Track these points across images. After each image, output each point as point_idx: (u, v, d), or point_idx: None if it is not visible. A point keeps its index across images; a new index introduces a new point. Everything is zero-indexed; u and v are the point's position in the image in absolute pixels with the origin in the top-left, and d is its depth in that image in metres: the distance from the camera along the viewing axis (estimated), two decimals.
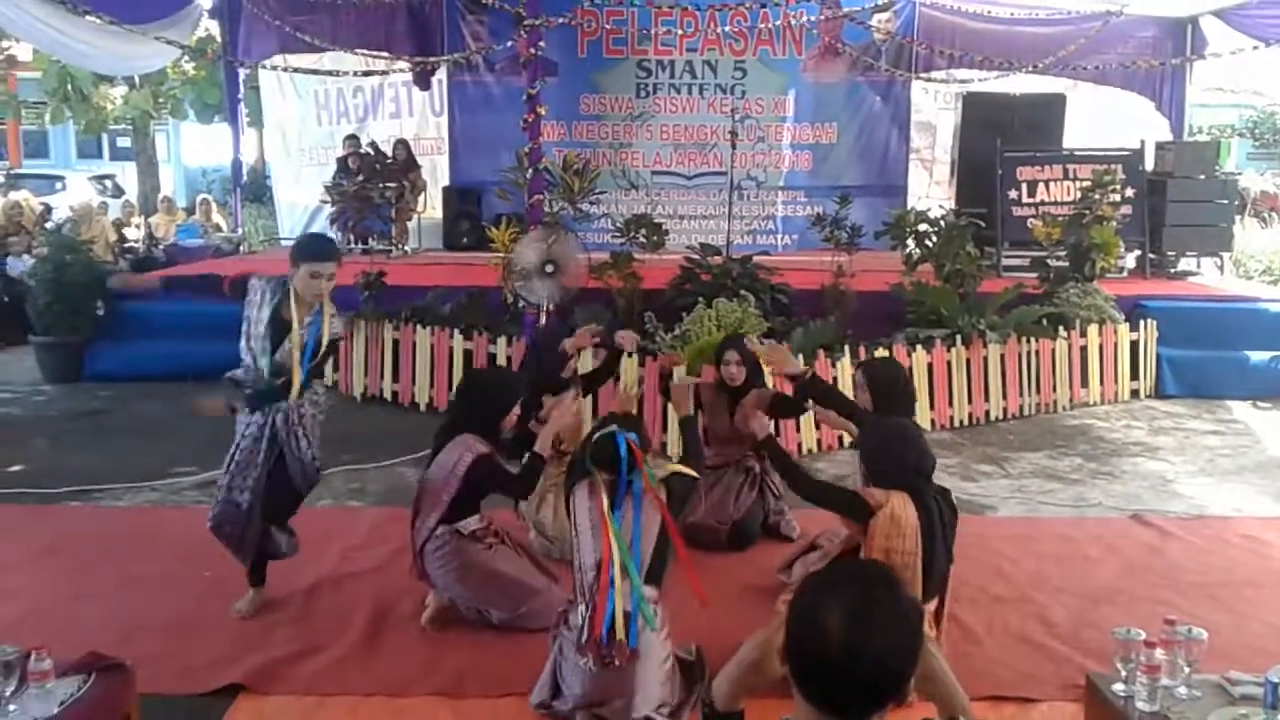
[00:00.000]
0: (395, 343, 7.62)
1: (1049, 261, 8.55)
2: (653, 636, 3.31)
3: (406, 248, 11.13)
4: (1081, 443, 6.93)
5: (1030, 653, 3.90)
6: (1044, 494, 5.90)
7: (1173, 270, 10.11)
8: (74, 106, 17.27)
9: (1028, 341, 7.55)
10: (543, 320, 6.45)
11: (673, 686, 3.36)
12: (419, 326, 7.52)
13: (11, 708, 2.58)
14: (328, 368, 4.56)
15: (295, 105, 12.74)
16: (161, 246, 12.62)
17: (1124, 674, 2.79)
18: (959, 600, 4.02)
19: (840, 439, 6.65)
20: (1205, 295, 9.12)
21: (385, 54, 10.91)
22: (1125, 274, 9.72)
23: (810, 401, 4.83)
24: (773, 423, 5.36)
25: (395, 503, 5.30)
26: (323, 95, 12.47)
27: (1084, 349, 7.81)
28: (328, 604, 4.24)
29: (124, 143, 22.30)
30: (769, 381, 5.39)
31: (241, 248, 12.63)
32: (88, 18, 8.28)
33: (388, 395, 7.67)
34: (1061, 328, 7.75)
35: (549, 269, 5.87)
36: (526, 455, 3.98)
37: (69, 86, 16.72)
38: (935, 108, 12.43)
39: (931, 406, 7.06)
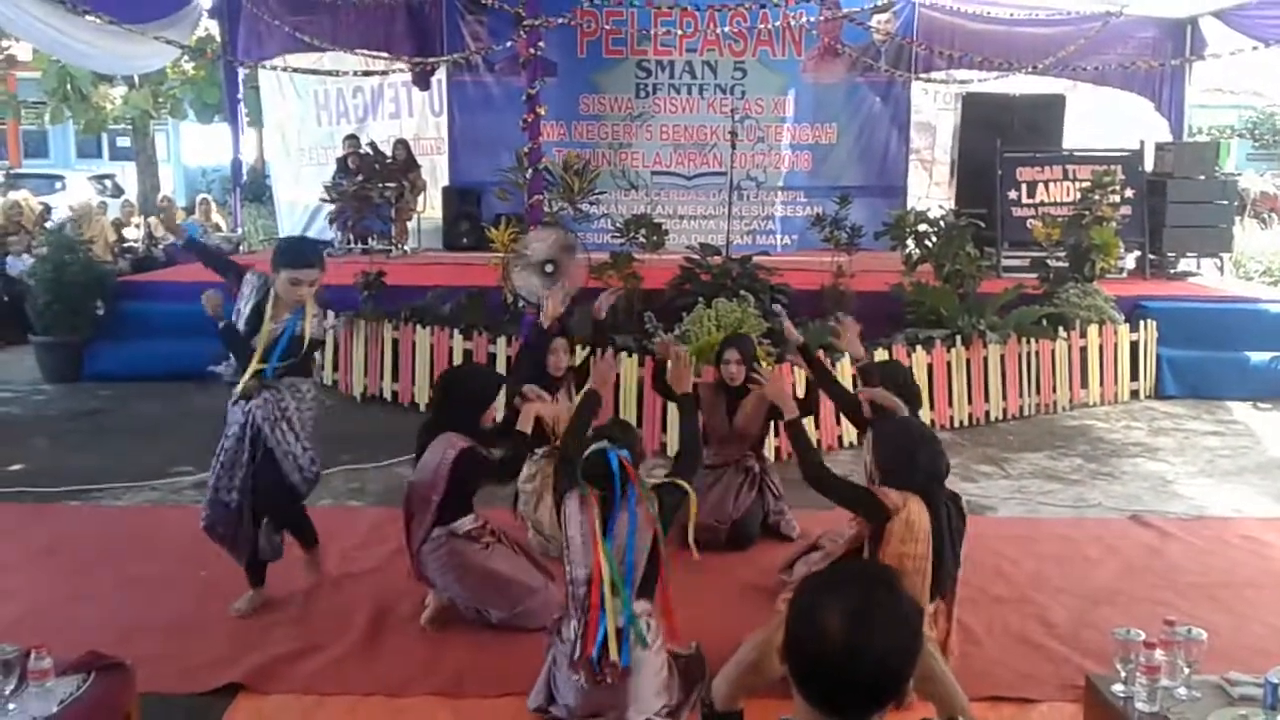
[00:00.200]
0: (395, 343, 7.62)
1: (1049, 262, 8.56)
2: (645, 651, 3.30)
3: (406, 248, 11.12)
4: (1081, 443, 6.93)
5: (1030, 653, 3.90)
6: (1044, 494, 5.90)
7: (1172, 271, 10.12)
8: (73, 106, 17.26)
9: (1027, 342, 7.55)
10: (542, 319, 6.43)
11: (671, 688, 3.36)
12: (419, 326, 7.52)
13: (11, 706, 2.58)
14: (325, 367, 4.57)
15: (295, 105, 12.73)
16: (161, 246, 12.62)
17: (1123, 675, 2.78)
18: (958, 601, 4.01)
19: (840, 439, 6.66)
20: (1205, 296, 9.13)
21: (385, 54, 10.91)
22: (1125, 274, 9.72)
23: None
24: (772, 423, 5.39)
25: (395, 503, 5.24)
26: (322, 95, 12.47)
27: (1084, 349, 7.82)
28: (327, 603, 4.24)
29: (124, 142, 22.29)
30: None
31: (241, 247, 12.63)
32: (87, 17, 8.27)
33: (387, 395, 7.67)
34: (1061, 328, 7.75)
35: (549, 269, 5.86)
36: (510, 438, 4.00)
37: (68, 86, 16.70)
38: (935, 108, 12.43)
39: (931, 407, 7.05)
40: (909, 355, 6.95)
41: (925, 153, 12.51)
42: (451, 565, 3.96)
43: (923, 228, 8.27)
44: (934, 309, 7.51)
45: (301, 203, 12.67)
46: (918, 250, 8.21)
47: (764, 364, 5.88)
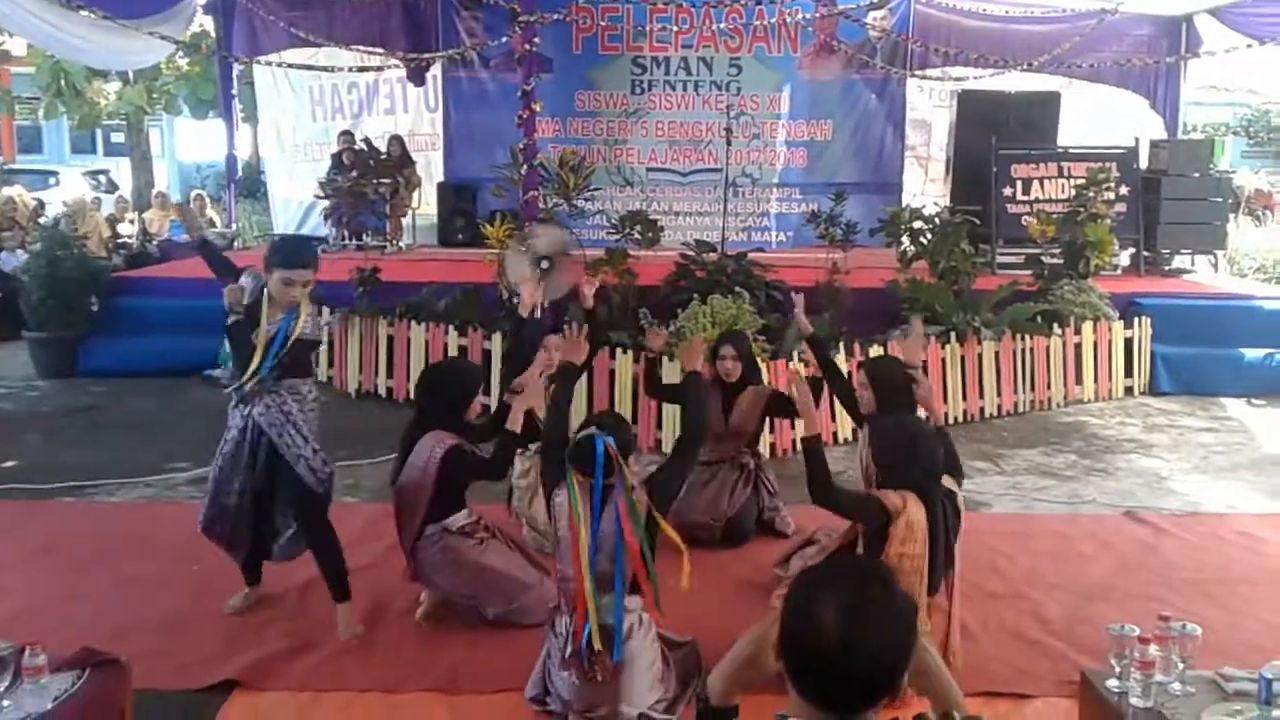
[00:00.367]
0: (390, 339, 7.61)
1: (1044, 259, 8.56)
2: (637, 644, 3.29)
3: (401, 244, 11.11)
4: (1076, 440, 6.94)
5: (1024, 649, 3.91)
6: (1038, 491, 5.91)
7: (1167, 268, 10.14)
8: (68, 102, 17.18)
9: (1022, 339, 7.56)
10: (537, 314, 6.42)
11: (667, 681, 3.36)
12: (413, 323, 7.51)
13: (6, 703, 2.57)
14: (320, 365, 4.54)
15: (290, 101, 12.72)
16: (155, 242, 12.60)
17: (1118, 670, 2.79)
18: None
19: (835, 435, 6.66)
20: (1199, 293, 9.15)
21: (380, 50, 10.90)
22: (1120, 271, 9.74)
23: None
24: (768, 420, 5.39)
25: (390, 499, 5.25)
26: (317, 91, 12.46)
27: (1078, 346, 7.82)
28: (323, 600, 4.22)
29: (118, 138, 22.21)
30: (765, 380, 5.39)
31: (236, 243, 12.60)
32: (82, 13, 8.24)
33: (382, 391, 7.66)
34: (1056, 325, 7.76)
35: (544, 264, 5.86)
36: (498, 435, 3.96)
37: (62, 82, 16.62)
38: (930, 105, 12.45)
39: None
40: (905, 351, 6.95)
41: (920, 149, 12.52)
42: (446, 562, 3.95)
43: (918, 224, 8.27)
44: (929, 305, 7.50)
45: (296, 199, 12.66)
46: (913, 247, 8.21)
47: (760, 362, 5.88)
